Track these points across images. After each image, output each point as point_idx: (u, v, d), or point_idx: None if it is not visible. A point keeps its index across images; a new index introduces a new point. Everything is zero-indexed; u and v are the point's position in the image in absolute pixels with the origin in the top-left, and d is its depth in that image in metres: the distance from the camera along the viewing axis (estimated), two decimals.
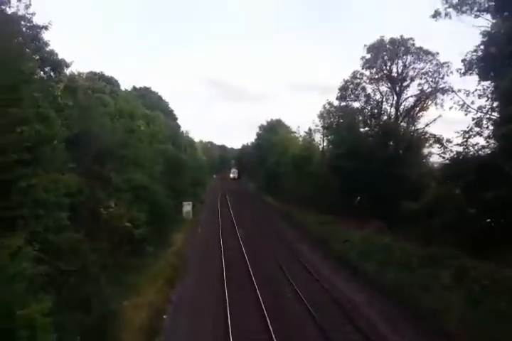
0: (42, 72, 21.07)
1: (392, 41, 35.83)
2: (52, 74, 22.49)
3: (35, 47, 19.94)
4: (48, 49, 21.25)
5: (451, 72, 33.65)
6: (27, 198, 12.11)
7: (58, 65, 22.25)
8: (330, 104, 46.29)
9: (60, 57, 22.24)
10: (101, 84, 40.08)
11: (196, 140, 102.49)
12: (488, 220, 20.90)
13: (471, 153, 22.04)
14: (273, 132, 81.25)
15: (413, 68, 36.09)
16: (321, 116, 52.60)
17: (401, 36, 35.56)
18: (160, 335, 15.36)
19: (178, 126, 72.67)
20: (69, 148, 15.86)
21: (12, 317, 8.41)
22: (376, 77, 37.60)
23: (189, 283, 22.03)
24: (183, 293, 20.46)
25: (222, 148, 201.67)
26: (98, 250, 16.98)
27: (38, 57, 20.23)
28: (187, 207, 43.03)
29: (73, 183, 14.58)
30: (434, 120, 35.29)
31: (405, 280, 19.29)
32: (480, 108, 22.97)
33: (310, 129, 58.88)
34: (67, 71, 23.87)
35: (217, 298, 19.73)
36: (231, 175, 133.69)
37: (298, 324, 16.83)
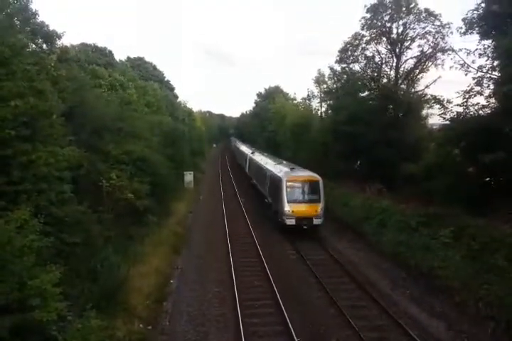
0: (33, 45, 20.68)
1: (394, 1, 34.65)
2: (44, 46, 22.10)
3: (24, 18, 19.44)
4: (38, 20, 20.79)
5: (451, 33, 32.89)
6: (28, 173, 12.17)
7: (50, 37, 21.81)
8: (331, 68, 45.48)
9: (51, 28, 21.84)
10: (95, 55, 39.45)
11: (195, 110, 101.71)
12: (487, 179, 21.06)
13: (471, 113, 21.89)
14: (271, 99, 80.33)
15: (413, 28, 35.16)
16: (317, 81, 51.90)
17: None
18: (168, 299, 15.86)
19: (176, 96, 71.91)
20: (66, 121, 15.76)
21: (23, 288, 8.67)
22: (375, 36, 36.63)
23: (194, 250, 22.45)
24: (188, 259, 20.91)
25: (221, 117, 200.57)
26: (102, 221, 17.26)
27: (28, 28, 19.81)
28: (188, 176, 43.23)
29: (73, 157, 14.57)
30: (434, 81, 34.74)
31: (405, 240, 19.68)
32: (480, 67, 22.65)
33: (308, 95, 58.31)
34: (60, 42, 23.41)
35: (222, 262, 20.25)
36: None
37: (300, 286, 17.40)
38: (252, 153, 50.09)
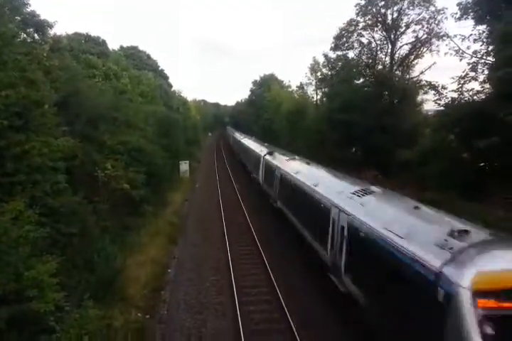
0: (25, 34, 20.41)
1: None
2: (36, 35, 21.81)
3: (14, 7, 19.14)
4: (29, 10, 20.47)
5: (446, 18, 32.76)
6: (22, 164, 12.11)
7: (41, 26, 21.50)
8: (325, 55, 45.13)
9: (42, 18, 21.51)
10: (88, 44, 38.99)
11: (189, 99, 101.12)
12: (482, 164, 21.18)
13: (465, 98, 21.93)
14: (266, 87, 79.96)
15: (408, 14, 34.97)
16: (312, 69, 51.64)
17: None
18: (165, 288, 15.94)
19: (170, 85, 71.34)
20: (60, 111, 15.62)
21: (20, 279, 8.69)
22: (370, 23, 36.42)
23: (190, 240, 22.50)
24: (184, 248, 20.98)
25: (216, 105, 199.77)
26: (98, 211, 17.24)
27: (19, 18, 19.50)
28: (184, 166, 43.19)
29: (67, 147, 14.49)
30: (429, 67, 34.76)
31: None
32: (475, 53, 22.69)
33: (301, 83, 58.14)
34: (52, 32, 23.10)
35: (218, 250, 20.34)
36: None
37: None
38: (269, 154, 30.24)
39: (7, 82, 12.11)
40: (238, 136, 65.33)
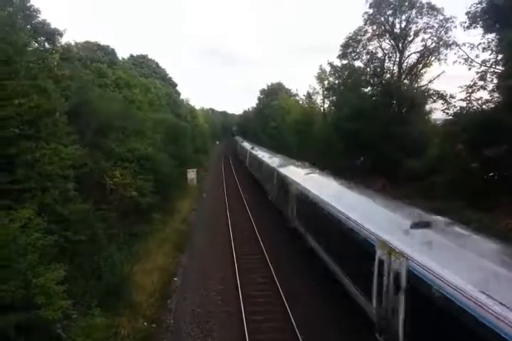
0: (36, 43, 20.74)
1: None
2: (46, 44, 22.15)
3: (26, 16, 19.49)
4: (40, 19, 20.82)
5: (455, 27, 32.76)
6: (32, 171, 12.21)
7: (52, 35, 21.84)
8: (331, 64, 45.19)
9: (53, 26, 21.87)
10: (98, 53, 39.46)
11: (197, 107, 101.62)
12: (491, 174, 20.99)
13: (474, 107, 21.82)
14: (274, 96, 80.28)
15: (416, 23, 35.01)
16: (319, 77, 51.71)
17: None
18: (172, 297, 15.86)
19: (178, 94, 71.84)
20: (70, 119, 15.75)
21: (28, 286, 8.71)
22: (378, 33, 36.51)
23: (197, 248, 22.43)
24: (191, 257, 20.90)
25: (224, 114, 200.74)
26: (106, 219, 17.30)
27: (29, 27, 19.84)
28: (191, 174, 43.29)
29: (77, 155, 14.59)
30: (438, 76, 34.70)
31: None
32: (484, 61, 22.62)
33: (308, 93, 58.17)
34: (62, 40, 23.45)
35: (226, 262, 20.22)
36: None
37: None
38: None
39: (20, 91, 12.26)
40: (261, 155, 40.77)
